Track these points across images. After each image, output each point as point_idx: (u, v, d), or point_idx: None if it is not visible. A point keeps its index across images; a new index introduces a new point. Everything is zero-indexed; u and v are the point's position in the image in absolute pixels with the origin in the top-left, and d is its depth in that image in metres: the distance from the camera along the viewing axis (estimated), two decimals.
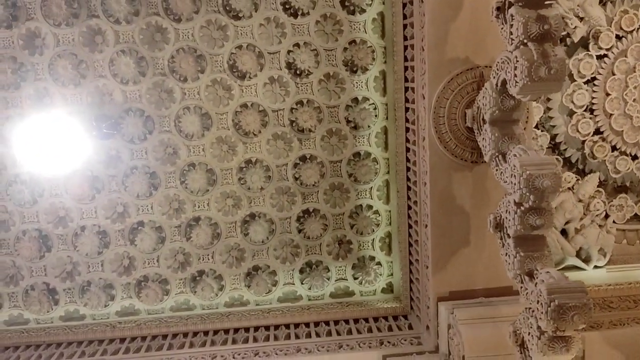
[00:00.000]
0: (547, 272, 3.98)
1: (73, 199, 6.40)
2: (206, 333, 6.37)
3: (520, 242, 4.30)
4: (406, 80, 5.94)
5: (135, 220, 6.53)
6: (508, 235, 4.40)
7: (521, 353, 4.35)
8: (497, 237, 4.64)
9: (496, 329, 5.14)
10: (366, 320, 6.46)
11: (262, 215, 6.68)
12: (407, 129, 6.04)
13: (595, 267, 6.75)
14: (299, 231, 6.75)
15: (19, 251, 6.42)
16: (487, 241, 5.48)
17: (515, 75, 3.99)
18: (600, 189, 6.78)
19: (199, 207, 6.59)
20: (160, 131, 6.36)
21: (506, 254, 4.42)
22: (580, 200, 6.73)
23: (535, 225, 4.15)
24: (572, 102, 6.60)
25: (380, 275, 6.85)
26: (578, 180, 6.77)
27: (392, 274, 6.88)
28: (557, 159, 6.62)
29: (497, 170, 4.60)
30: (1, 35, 5.99)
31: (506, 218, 4.37)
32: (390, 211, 6.75)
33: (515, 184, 4.14)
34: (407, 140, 6.07)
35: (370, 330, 6.20)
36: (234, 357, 5.73)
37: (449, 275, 5.56)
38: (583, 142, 6.76)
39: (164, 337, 6.31)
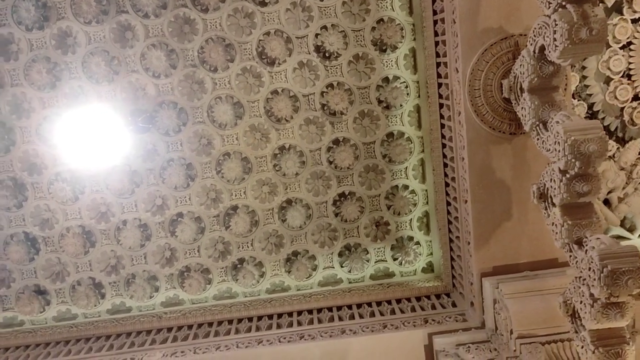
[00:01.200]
0: (598, 238, 3.90)
1: (113, 194, 6.51)
2: (250, 319, 6.44)
3: (566, 210, 4.22)
4: (437, 55, 5.86)
5: (175, 212, 6.62)
6: (553, 204, 4.33)
7: (572, 323, 4.28)
8: (542, 208, 4.56)
9: (544, 302, 5.08)
10: (408, 300, 6.45)
11: (299, 201, 6.70)
12: (441, 105, 5.97)
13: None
14: (336, 215, 6.75)
15: (64, 248, 6.57)
16: (529, 214, 5.40)
17: (555, 39, 3.90)
18: None
19: (235, 195, 6.64)
20: (193, 122, 6.42)
21: (552, 223, 4.34)
22: (622, 169, 6.56)
23: (582, 192, 4.07)
24: (609, 68, 6.42)
25: (420, 255, 6.81)
26: (619, 148, 6.60)
27: (431, 253, 6.83)
28: None
29: (538, 139, 4.51)
30: (34, 37, 6.09)
31: (551, 187, 4.29)
32: (426, 190, 6.70)
33: (559, 151, 4.05)
34: (442, 117, 5.99)
35: (413, 309, 6.18)
36: (279, 341, 5.78)
37: (492, 250, 5.50)
38: (622, 109, 6.58)
39: (210, 324, 6.40)
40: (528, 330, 5.00)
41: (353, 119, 6.50)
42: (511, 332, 5.08)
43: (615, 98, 6.51)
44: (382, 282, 6.82)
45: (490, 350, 5.26)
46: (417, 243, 6.80)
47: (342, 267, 6.84)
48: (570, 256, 4.19)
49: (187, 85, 6.33)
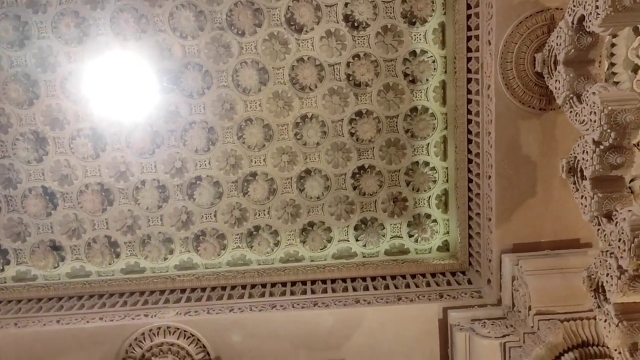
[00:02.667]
0: (629, 210, 3.84)
1: (134, 154, 6.50)
2: (264, 286, 6.44)
3: (597, 183, 4.16)
4: (469, 29, 5.79)
5: (194, 175, 6.61)
6: (584, 177, 4.27)
7: (596, 298, 4.24)
8: (570, 182, 4.50)
9: (565, 280, 5.04)
10: (423, 275, 6.43)
11: (318, 172, 6.67)
12: (469, 80, 5.90)
13: None
14: (354, 188, 6.72)
15: (82, 204, 6.57)
16: (554, 192, 5.34)
17: (597, 7, 3.83)
18: None
19: (255, 162, 6.62)
20: (218, 86, 6.39)
21: (582, 196, 4.29)
22: None
23: (615, 164, 4.01)
24: (638, 56, 6.32)
25: (437, 232, 6.77)
26: None
27: (448, 232, 6.79)
28: None
29: (571, 112, 4.44)
30: None
31: (583, 159, 4.23)
32: (447, 168, 6.64)
33: (594, 122, 4.00)
34: (469, 92, 5.93)
35: (428, 284, 6.16)
36: (293, 307, 5.76)
37: (514, 227, 5.45)
38: None
39: (223, 288, 6.41)
40: (547, 307, 4.97)
41: (377, 92, 6.45)
42: (529, 309, 5.04)
43: None
44: (396, 258, 6.78)
45: (506, 327, 5.22)
46: (434, 221, 6.76)
47: (357, 240, 6.81)
48: (599, 230, 4.14)
49: (213, 48, 6.30)
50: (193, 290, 6.41)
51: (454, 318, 5.49)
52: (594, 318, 4.79)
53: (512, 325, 5.23)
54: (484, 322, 5.33)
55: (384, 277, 6.43)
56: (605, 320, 4.04)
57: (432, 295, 5.84)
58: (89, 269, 6.74)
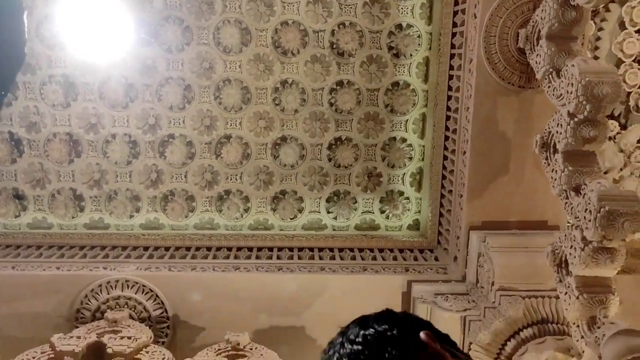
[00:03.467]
0: (599, 182, 3.83)
1: (106, 105, 6.33)
2: (230, 249, 6.33)
3: (569, 157, 4.14)
4: (456, 3, 5.74)
5: (166, 132, 6.46)
6: (556, 151, 4.25)
7: (558, 273, 4.23)
8: (542, 158, 4.48)
9: (529, 258, 5.03)
10: (391, 250, 6.38)
11: (294, 140, 6.57)
12: (452, 56, 5.86)
13: None
14: (330, 159, 6.64)
15: (49, 153, 6.39)
16: (526, 171, 5.33)
17: None
18: None
19: (231, 125, 6.50)
20: (198, 43, 6.24)
21: (552, 170, 4.27)
22: (621, 150, 6.52)
23: (588, 137, 3.99)
24: (622, 50, 6.34)
25: (408, 211, 6.73)
26: (620, 130, 6.55)
27: (419, 211, 6.75)
28: None
29: (549, 87, 4.42)
30: None
31: (557, 132, 4.21)
32: (424, 146, 6.60)
33: (571, 93, 3.98)
34: (451, 68, 5.89)
35: (395, 259, 6.12)
36: (257, 270, 5.68)
37: (484, 204, 5.43)
38: (629, 94, 6.51)
39: (187, 249, 6.29)
40: (510, 283, 4.95)
41: (360, 63, 6.37)
42: (492, 284, 5.03)
43: (624, 82, 6.44)
44: (366, 233, 6.73)
45: (468, 302, 5.20)
46: (407, 199, 6.72)
47: (328, 212, 6.74)
48: (566, 203, 4.12)
49: (196, 4, 6.15)
50: (157, 249, 6.27)
51: (417, 291, 5.45)
52: (556, 297, 4.78)
53: (474, 301, 5.21)
54: (447, 297, 5.30)
55: (351, 250, 6.38)
56: (566, 293, 4.03)
57: (398, 268, 5.81)
58: (51, 221, 6.56)
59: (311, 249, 6.37)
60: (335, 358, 1.32)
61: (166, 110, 6.39)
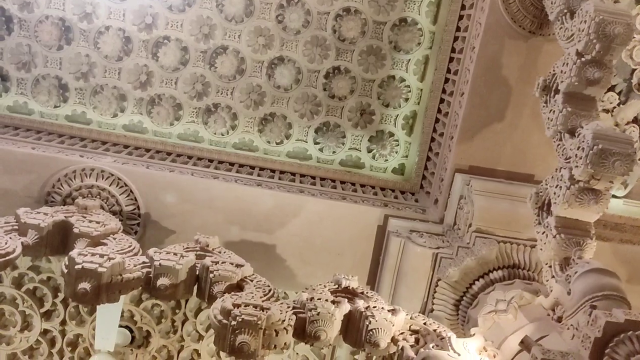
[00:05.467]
0: (597, 124, 3.75)
1: None
2: (211, 161, 6.22)
3: (569, 98, 4.05)
4: None
5: (162, 34, 6.24)
6: (557, 92, 4.16)
7: (538, 216, 4.19)
8: (542, 102, 4.39)
9: (511, 206, 5.00)
10: (372, 187, 6.32)
11: (291, 62, 6.40)
12: None
13: (613, 196, 6.54)
14: (324, 89, 6.49)
15: (39, 35, 6.14)
16: (522, 121, 5.26)
17: None
18: (636, 125, 6.51)
19: (229, 36, 6.30)
20: None
21: (550, 110, 4.18)
22: (617, 124, 6.47)
23: (592, 79, 3.90)
24: (631, 58, 6.26)
25: (396, 153, 6.64)
26: (619, 104, 6.49)
27: (406, 156, 6.67)
28: None
29: (561, 28, 4.29)
30: None
31: (561, 72, 4.11)
32: (421, 90, 6.47)
33: (583, 31, 3.86)
34: (463, 7, 5.73)
35: (375, 194, 6.05)
36: (236, 181, 5.57)
37: (473, 149, 5.36)
38: (633, 71, 6.43)
39: (168, 154, 6.15)
40: (487, 227, 4.93)
41: None
42: (469, 226, 5.00)
43: (631, 57, 6.35)
44: (349, 170, 6.64)
45: (442, 242, 5.17)
46: (397, 141, 6.62)
47: (315, 143, 6.62)
48: (558, 145, 4.05)
49: None
50: (137, 148, 6.13)
51: (393, 225, 5.40)
52: (531, 246, 4.77)
53: (448, 242, 5.18)
54: (422, 234, 5.27)
55: (333, 181, 6.31)
56: (543, 233, 3.99)
57: (377, 203, 5.75)
58: (32, 107, 6.36)
59: (293, 174, 6.28)
60: None
61: (165, 10, 6.16)
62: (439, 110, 6.07)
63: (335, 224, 5.52)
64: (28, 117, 6.32)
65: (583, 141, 3.65)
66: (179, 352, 6.81)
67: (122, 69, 6.32)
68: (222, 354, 6.74)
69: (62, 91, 6.36)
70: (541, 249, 4.00)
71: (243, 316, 3.51)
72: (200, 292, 4.33)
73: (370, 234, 5.54)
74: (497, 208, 4.97)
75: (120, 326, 6.19)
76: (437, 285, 4.92)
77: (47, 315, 6.43)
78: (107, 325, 5.84)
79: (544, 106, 4.34)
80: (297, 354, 6.76)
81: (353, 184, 6.29)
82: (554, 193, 3.90)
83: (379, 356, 3.95)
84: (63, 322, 6.46)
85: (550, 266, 3.92)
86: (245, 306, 3.63)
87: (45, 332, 6.51)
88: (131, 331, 6.67)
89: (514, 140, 5.29)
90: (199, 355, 6.82)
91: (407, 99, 6.50)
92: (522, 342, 3.30)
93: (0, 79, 6.29)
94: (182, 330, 6.67)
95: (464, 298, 4.75)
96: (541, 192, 4.16)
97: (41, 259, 6.18)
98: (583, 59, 3.91)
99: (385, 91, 6.49)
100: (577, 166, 3.67)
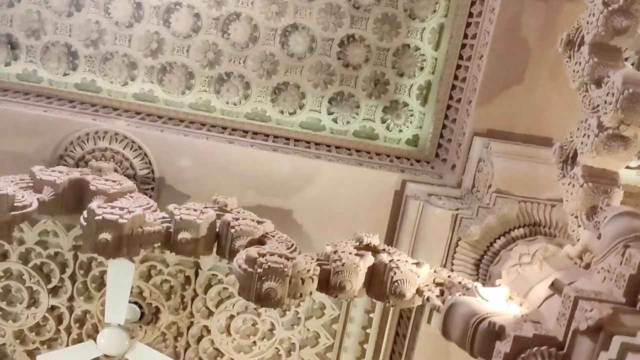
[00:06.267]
0: (625, 70, 3.70)
1: None
2: (224, 128, 6.15)
3: (595, 49, 3.99)
4: None
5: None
6: (582, 43, 4.11)
7: (562, 169, 4.14)
8: (565, 57, 4.33)
9: (531, 167, 4.95)
10: (388, 155, 6.27)
11: (305, 30, 6.34)
12: None
13: (627, 167, 6.51)
14: (339, 58, 6.43)
15: (49, 1, 6.06)
16: (540, 83, 5.20)
17: None
18: None
19: (242, 3, 6.22)
20: None
21: (576, 63, 4.13)
22: None
23: (619, 28, 3.84)
24: None
25: (410, 123, 6.57)
26: None
27: (420, 127, 6.60)
28: None
29: None
30: None
31: (587, 23, 4.05)
32: (436, 59, 6.41)
33: None
34: None
35: (391, 161, 6.00)
36: (252, 146, 5.51)
37: (492, 111, 5.31)
38: None
39: (181, 121, 6.08)
40: (507, 187, 4.87)
41: None
42: (489, 187, 4.94)
43: None
44: (363, 141, 6.58)
45: (461, 204, 5.12)
46: (411, 111, 6.56)
47: (329, 114, 6.56)
48: (584, 97, 4.00)
49: None
50: (149, 115, 6.06)
51: (411, 189, 5.35)
52: (552, 205, 4.72)
53: (467, 204, 5.13)
54: (440, 197, 5.22)
55: (348, 149, 6.25)
56: (569, 184, 3.93)
57: (394, 168, 5.69)
58: (42, 75, 6.29)
59: (307, 142, 6.23)
60: None
61: None
62: (456, 77, 6.01)
63: (352, 189, 5.46)
64: (38, 85, 6.25)
65: (612, 87, 3.59)
66: (188, 328, 6.77)
67: (132, 36, 6.25)
68: (231, 329, 6.71)
69: (71, 59, 6.29)
70: (567, 200, 3.94)
71: (269, 263, 3.45)
72: (221, 249, 4.28)
73: (388, 200, 5.48)
74: (516, 169, 4.92)
75: (129, 302, 6.13)
76: (456, 246, 4.87)
77: (54, 292, 6.38)
78: (117, 297, 5.77)
79: (567, 61, 4.28)
80: (307, 329, 6.73)
81: (368, 152, 6.23)
82: (581, 143, 3.85)
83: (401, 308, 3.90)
84: (71, 298, 6.41)
85: (576, 217, 3.87)
86: (270, 255, 3.57)
87: (52, 308, 6.47)
88: (140, 307, 6.62)
89: (532, 103, 5.24)
90: (208, 331, 6.78)
91: (422, 68, 6.43)
92: (552, 285, 3.25)
93: (10, 46, 6.21)
94: (191, 306, 6.63)
95: (485, 256, 4.70)
96: (565, 145, 4.11)
97: (48, 234, 6.14)
98: (610, 8, 3.85)
99: (400, 60, 6.43)
100: (605, 113, 3.62)
